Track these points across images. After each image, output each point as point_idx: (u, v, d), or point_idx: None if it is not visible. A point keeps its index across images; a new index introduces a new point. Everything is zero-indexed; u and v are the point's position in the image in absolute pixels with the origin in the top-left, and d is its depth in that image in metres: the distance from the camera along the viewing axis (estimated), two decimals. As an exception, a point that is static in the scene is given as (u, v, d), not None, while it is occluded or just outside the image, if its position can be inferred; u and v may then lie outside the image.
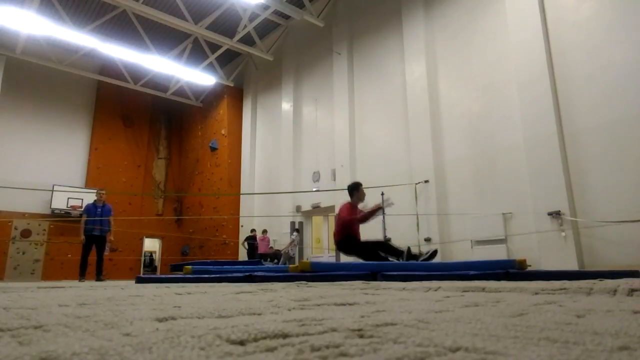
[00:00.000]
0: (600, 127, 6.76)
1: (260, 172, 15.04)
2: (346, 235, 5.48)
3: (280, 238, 12.91)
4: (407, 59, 10.08)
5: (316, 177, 12.39)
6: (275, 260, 12.35)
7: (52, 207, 14.11)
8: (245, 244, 12.95)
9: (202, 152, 16.71)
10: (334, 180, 11.53)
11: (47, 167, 14.65)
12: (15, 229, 13.80)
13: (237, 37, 13.61)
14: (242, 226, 14.68)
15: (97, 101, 16.25)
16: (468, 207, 8.35)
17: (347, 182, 10.56)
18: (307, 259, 12.18)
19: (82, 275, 7.72)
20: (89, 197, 14.80)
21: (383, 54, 10.96)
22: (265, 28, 14.49)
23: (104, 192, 8.17)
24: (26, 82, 14.76)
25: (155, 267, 18.08)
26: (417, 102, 9.65)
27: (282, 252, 12.23)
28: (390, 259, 5.18)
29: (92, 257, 7.79)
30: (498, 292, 1.29)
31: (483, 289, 1.99)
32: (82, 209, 7.98)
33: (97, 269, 7.83)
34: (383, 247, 5.32)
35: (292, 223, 12.47)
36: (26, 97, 14.77)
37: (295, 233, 12.20)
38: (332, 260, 11.22)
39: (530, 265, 6.60)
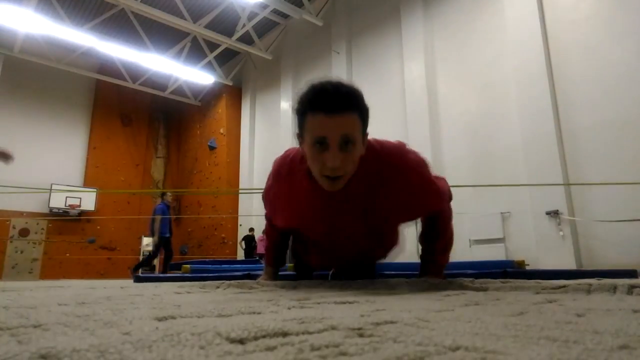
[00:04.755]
0: (598, 126, 6.78)
1: (259, 171, 15.01)
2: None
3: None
4: (406, 58, 10.08)
5: (315, 176, 12.40)
6: None
7: (50, 206, 14.09)
8: (243, 243, 12.94)
9: (200, 151, 16.68)
10: (333, 179, 11.53)
11: (45, 166, 14.61)
12: (14, 227, 13.77)
13: (236, 36, 13.59)
14: (240, 225, 14.67)
15: (95, 100, 16.22)
16: (466, 206, 8.35)
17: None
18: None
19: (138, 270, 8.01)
20: (88, 196, 14.80)
21: (382, 53, 10.95)
22: (264, 27, 14.47)
23: (170, 193, 8.99)
24: (24, 81, 14.71)
25: (154, 266, 18.03)
26: (416, 101, 9.65)
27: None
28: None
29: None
30: (498, 291, 1.30)
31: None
32: (157, 210, 8.09)
33: (164, 267, 8.04)
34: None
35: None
36: (24, 96, 14.72)
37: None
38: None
39: (528, 265, 6.61)
